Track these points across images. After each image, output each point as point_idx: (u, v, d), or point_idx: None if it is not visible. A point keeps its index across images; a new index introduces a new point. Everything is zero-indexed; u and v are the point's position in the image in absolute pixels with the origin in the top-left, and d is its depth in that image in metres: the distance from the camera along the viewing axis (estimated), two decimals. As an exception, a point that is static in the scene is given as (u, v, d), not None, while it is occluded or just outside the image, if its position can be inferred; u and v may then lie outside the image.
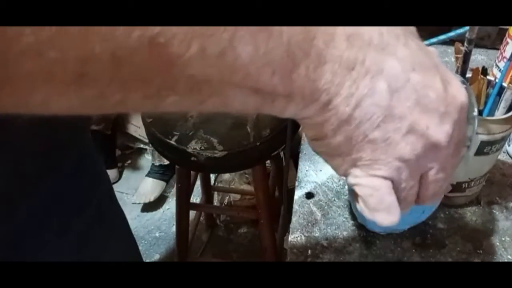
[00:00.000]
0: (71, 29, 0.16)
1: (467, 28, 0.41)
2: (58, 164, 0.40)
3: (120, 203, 0.55)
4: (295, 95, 0.22)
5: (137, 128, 1.71)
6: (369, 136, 0.23)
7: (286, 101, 0.22)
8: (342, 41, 0.22)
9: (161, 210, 1.67)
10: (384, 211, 0.25)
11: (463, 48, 0.42)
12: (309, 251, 0.47)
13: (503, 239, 0.48)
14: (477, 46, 0.75)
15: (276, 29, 0.20)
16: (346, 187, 0.54)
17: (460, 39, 0.45)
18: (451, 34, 0.48)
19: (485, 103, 0.45)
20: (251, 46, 0.20)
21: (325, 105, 0.23)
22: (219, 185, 1.57)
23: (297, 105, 0.23)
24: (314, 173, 0.56)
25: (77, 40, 0.16)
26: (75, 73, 0.17)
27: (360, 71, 0.22)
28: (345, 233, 0.49)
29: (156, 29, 0.17)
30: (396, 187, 0.25)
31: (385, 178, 0.25)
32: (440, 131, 0.24)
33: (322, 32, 0.21)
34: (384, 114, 0.23)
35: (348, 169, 0.26)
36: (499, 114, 0.46)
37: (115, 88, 0.18)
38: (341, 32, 0.22)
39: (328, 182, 0.55)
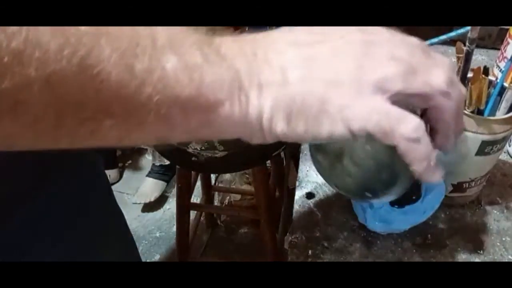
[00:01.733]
0: (5, 57, 0.16)
1: (468, 28, 0.41)
2: (57, 167, 0.40)
3: (121, 203, 0.55)
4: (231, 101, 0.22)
5: (137, 128, 1.71)
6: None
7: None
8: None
9: (161, 210, 1.67)
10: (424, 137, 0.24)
11: (464, 48, 0.42)
12: (310, 251, 0.47)
13: (503, 239, 0.48)
14: (478, 46, 0.75)
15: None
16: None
17: (461, 39, 0.45)
18: (452, 34, 0.48)
19: (486, 103, 0.45)
20: (176, 58, 0.20)
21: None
22: (219, 185, 1.57)
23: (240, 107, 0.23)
24: (314, 173, 0.56)
25: (13, 67, 0.16)
26: (10, 102, 0.17)
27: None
28: (345, 233, 0.49)
29: (84, 50, 0.18)
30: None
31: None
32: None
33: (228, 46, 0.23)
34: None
35: (343, 120, 0.24)
36: (500, 114, 0.46)
37: (51, 113, 0.18)
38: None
39: (328, 182, 0.55)
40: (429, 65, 0.24)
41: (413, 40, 0.25)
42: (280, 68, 0.23)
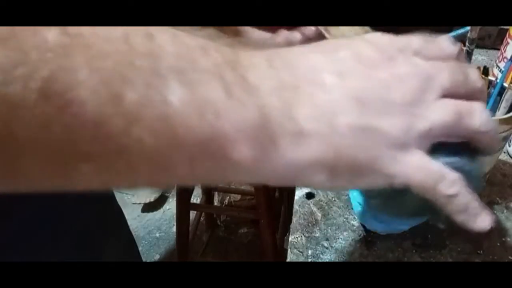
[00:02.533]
0: None
1: (467, 28, 0.41)
2: None
3: (121, 203, 0.55)
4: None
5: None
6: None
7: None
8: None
9: (161, 210, 1.67)
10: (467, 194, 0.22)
11: (464, 48, 0.42)
12: (309, 251, 0.47)
13: (503, 239, 0.47)
14: (478, 46, 0.75)
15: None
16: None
17: (461, 39, 0.45)
18: (452, 34, 0.48)
19: (486, 103, 0.45)
20: (184, 89, 0.16)
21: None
22: (219, 185, 1.56)
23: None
24: (314, 173, 0.56)
25: None
26: None
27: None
28: (345, 233, 0.49)
29: (48, 69, 0.13)
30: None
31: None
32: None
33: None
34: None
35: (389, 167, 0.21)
36: (500, 114, 0.46)
37: (6, 154, 0.14)
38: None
39: (328, 182, 0.55)
40: (471, 102, 0.22)
41: (453, 52, 0.22)
42: (328, 111, 0.19)
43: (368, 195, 0.32)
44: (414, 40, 0.22)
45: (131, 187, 0.19)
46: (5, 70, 0.13)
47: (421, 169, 0.21)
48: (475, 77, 0.23)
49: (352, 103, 0.19)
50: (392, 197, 0.30)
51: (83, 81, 0.14)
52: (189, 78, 0.16)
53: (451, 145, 0.23)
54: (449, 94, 0.21)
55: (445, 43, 0.23)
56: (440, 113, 0.21)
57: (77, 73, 0.14)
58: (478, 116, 0.22)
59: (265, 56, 0.19)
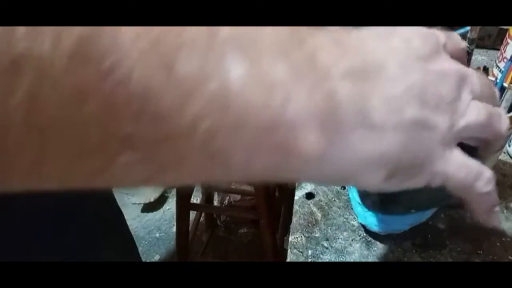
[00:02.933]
0: None
1: (467, 28, 0.41)
2: None
3: (120, 203, 0.55)
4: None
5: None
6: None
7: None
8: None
9: (161, 210, 1.67)
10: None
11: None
12: (309, 252, 0.47)
13: (503, 239, 0.47)
14: (477, 46, 0.75)
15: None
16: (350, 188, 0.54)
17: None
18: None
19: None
20: (247, 64, 0.13)
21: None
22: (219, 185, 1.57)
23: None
24: (314, 173, 0.56)
25: None
26: None
27: None
28: (345, 233, 0.49)
29: (86, 31, 0.10)
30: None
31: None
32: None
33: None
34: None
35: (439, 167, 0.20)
36: (500, 114, 0.46)
37: (23, 134, 0.11)
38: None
39: (328, 182, 0.55)
40: (497, 108, 0.22)
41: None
42: (396, 104, 0.17)
43: (363, 195, 0.33)
44: (440, 34, 0.22)
45: (177, 184, 0.15)
46: (31, 31, 0.10)
47: (463, 167, 0.20)
48: (491, 83, 0.23)
49: (414, 97, 0.18)
50: (388, 196, 0.30)
51: (128, 43, 0.11)
52: (251, 54, 0.14)
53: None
54: (476, 97, 0.21)
55: (459, 39, 0.23)
56: (475, 113, 0.20)
57: (119, 34, 0.11)
58: (504, 121, 0.22)
59: (329, 36, 0.17)
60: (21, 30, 0.10)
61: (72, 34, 0.10)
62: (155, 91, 0.11)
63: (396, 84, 0.18)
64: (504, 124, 0.22)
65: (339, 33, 0.18)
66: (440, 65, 0.20)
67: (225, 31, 0.13)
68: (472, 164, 0.21)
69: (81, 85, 0.11)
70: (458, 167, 0.20)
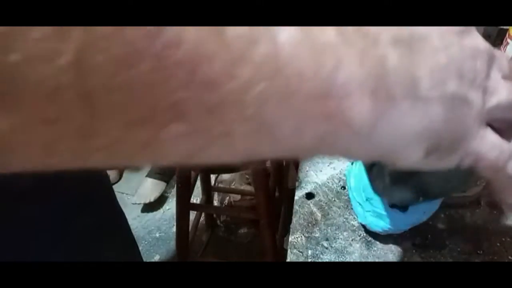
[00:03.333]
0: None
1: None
2: (59, 173, 0.40)
3: (121, 203, 0.55)
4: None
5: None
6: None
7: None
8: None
9: (161, 210, 1.67)
10: None
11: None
12: (309, 252, 0.47)
13: (503, 239, 0.47)
14: (478, 46, 0.75)
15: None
16: (351, 185, 0.54)
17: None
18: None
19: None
20: (296, 27, 0.13)
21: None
22: (219, 185, 1.57)
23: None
24: (314, 174, 0.56)
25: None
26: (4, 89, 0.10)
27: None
28: (345, 233, 0.49)
29: None
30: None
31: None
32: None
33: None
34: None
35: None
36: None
37: (70, 103, 0.10)
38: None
39: (328, 182, 0.55)
40: None
41: None
42: (441, 77, 0.17)
43: (375, 175, 0.32)
44: None
45: (220, 158, 0.14)
46: None
47: (496, 147, 0.20)
48: None
49: (455, 71, 0.18)
50: (399, 179, 0.30)
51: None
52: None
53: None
54: (505, 77, 0.21)
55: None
56: (505, 92, 0.20)
57: None
58: None
59: None
60: None
61: None
62: (206, 54, 0.11)
63: (440, 56, 0.17)
64: None
65: None
66: (474, 41, 0.19)
67: None
68: (504, 145, 0.20)
69: (129, 46, 0.10)
70: (492, 147, 0.20)
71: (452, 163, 0.20)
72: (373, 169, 0.32)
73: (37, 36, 0.09)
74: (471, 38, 0.20)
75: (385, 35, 0.16)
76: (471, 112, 0.18)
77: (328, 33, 0.14)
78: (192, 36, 0.11)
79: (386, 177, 0.32)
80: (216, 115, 0.12)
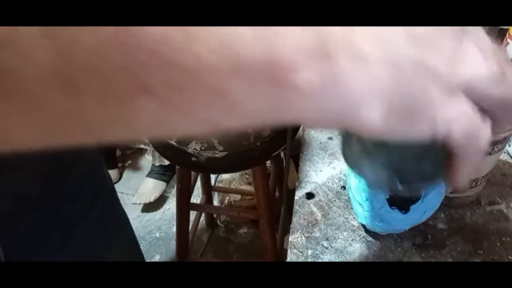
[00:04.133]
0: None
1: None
2: (65, 169, 0.40)
3: (121, 203, 0.55)
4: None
5: (137, 128, 1.71)
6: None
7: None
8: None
9: (161, 210, 1.67)
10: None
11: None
12: (309, 251, 0.47)
13: (503, 239, 0.47)
14: (478, 46, 0.75)
15: None
16: (351, 184, 0.54)
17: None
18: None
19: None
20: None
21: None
22: (219, 185, 1.57)
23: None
24: (314, 174, 0.56)
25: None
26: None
27: None
28: (345, 233, 0.49)
29: None
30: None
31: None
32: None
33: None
34: None
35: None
36: (500, 114, 0.46)
37: (57, 88, 0.13)
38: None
39: (328, 182, 0.55)
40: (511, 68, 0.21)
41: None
42: (388, 42, 0.18)
43: (344, 142, 0.31)
44: None
45: (190, 129, 0.17)
46: None
47: (468, 117, 0.20)
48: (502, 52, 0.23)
49: (407, 38, 0.18)
50: (370, 147, 0.29)
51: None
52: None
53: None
54: (486, 56, 0.21)
55: None
56: (485, 66, 0.20)
57: None
58: None
59: None
60: None
61: None
62: (162, 36, 0.13)
63: (384, 29, 0.18)
64: None
65: None
66: None
67: None
68: (477, 117, 0.20)
69: (101, 37, 0.12)
70: (463, 116, 0.20)
71: (421, 132, 0.20)
72: (343, 139, 0.31)
73: (27, 36, 0.12)
74: None
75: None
76: (435, 79, 0.19)
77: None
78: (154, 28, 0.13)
79: (354, 146, 0.31)
80: (176, 88, 0.14)
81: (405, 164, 0.29)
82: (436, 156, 0.26)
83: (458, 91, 0.20)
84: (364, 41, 0.18)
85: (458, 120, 0.20)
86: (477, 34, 0.21)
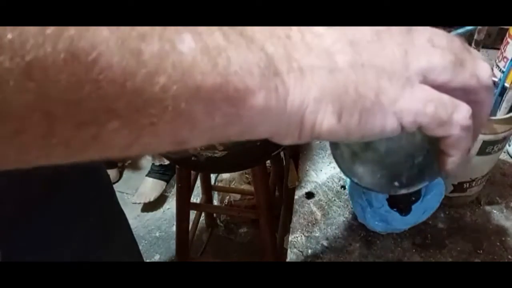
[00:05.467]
0: None
1: (467, 28, 0.41)
2: (67, 170, 0.40)
3: (120, 203, 0.55)
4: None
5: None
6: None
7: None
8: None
9: (161, 210, 1.67)
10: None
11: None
12: (309, 251, 0.47)
13: (503, 239, 0.47)
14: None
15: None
16: (348, 185, 0.54)
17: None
18: (452, 34, 0.48)
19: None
20: (191, 37, 0.16)
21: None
22: (219, 185, 1.57)
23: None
24: (314, 173, 0.56)
25: None
26: None
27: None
28: (345, 233, 0.49)
29: (73, 29, 0.14)
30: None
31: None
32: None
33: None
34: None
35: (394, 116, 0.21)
36: (501, 114, 0.46)
37: (37, 118, 0.14)
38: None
39: (328, 182, 0.55)
40: (473, 57, 0.22)
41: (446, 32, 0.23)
42: (325, 51, 0.20)
43: (333, 144, 0.31)
44: None
45: (155, 147, 0.18)
46: (35, 34, 0.13)
47: (432, 100, 0.20)
48: (462, 43, 0.23)
49: (346, 45, 0.20)
50: (366, 150, 0.29)
51: (106, 39, 0.14)
52: (195, 30, 0.17)
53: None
54: (441, 47, 0.21)
55: None
56: (439, 55, 0.21)
57: (100, 32, 0.14)
58: (483, 67, 0.22)
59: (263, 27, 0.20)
60: (32, 31, 0.13)
61: (67, 35, 0.14)
62: (131, 71, 0.15)
63: (323, 37, 0.20)
64: (483, 69, 0.22)
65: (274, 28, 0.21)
66: (377, 29, 0.21)
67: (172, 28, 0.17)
68: (444, 97, 0.21)
69: (76, 74, 0.14)
70: (425, 100, 0.20)
71: (387, 126, 0.21)
72: (332, 146, 0.32)
73: (11, 81, 0.13)
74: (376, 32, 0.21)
75: (261, 35, 0.19)
76: (383, 75, 0.20)
77: (217, 39, 0.17)
78: (118, 62, 0.15)
79: (344, 152, 0.31)
80: (142, 113, 0.16)
81: (397, 164, 0.29)
82: (427, 151, 0.26)
83: (415, 82, 0.21)
84: (303, 55, 0.19)
85: (423, 106, 0.20)
86: (429, 29, 0.22)
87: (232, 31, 0.18)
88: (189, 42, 0.16)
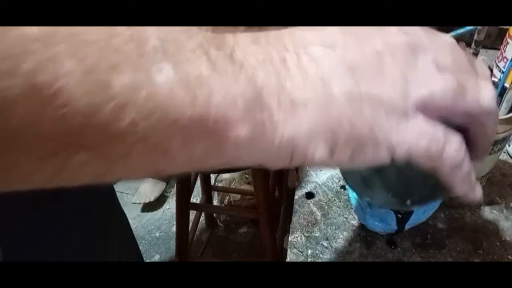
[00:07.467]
0: None
1: (468, 28, 0.41)
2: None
3: (120, 203, 0.55)
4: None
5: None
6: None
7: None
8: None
9: (161, 210, 1.67)
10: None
11: (470, 50, 0.42)
12: (309, 251, 0.47)
13: (503, 239, 0.47)
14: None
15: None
16: (347, 186, 0.54)
17: (460, 39, 0.45)
18: (452, 34, 0.48)
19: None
20: (171, 67, 0.15)
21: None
22: (219, 185, 1.57)
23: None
24: (314, 173, 0.56)
25: None
26: None
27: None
28: (345, 233, 0.49)
29: (33, 61, 0.13)
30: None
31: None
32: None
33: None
34: None
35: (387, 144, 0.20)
36: (501, 114, 0.46)
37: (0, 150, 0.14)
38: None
39: (328, 182, 0.55)
40: (477, 78, 0.21)
41: (452, 41, 0.22)
42: (321, 79, 0.18)
43: (346, 174, 0.32)
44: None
45: (129, 176, 0.18)
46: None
47: (425, 134, 0.20)
48: (470, 57, 0.22)
49: (344, 72, 0.19)
50: (368, 176, 0.30)
51: (69, 71, 0.13)
52: (176, 58, 0.16)
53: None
54: (445, 69, 0.20)
55: None
56: (441, 82, 0.20)
57: (62, 63, 0.13)
58: (487, 91, 0.21)
59: (251, 35, 0.19)
60: None
61: (24, 69, 0.13)
62: (96, 106, 0.14)
63: (320, 62, 0.19)
64: (486, 93, 0.21)
65: (263, 32, 0.19)
66: (387, 38, 0.20)
67: (153, 42, 0.15)
68: (437, 131, 0.20)
69: (36, 109, 0.13)
70: (419, 135, 0.20)
71: (379, 158, 0.20)
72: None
73: None
74: (383, 35, 0.20)
75: (252, 60, 0.18)
76: (380, 107, 0.19)
77: (200, 68, 0.16)
78: (83, 95, 0.14)
79: (355, 173, 0.32)
80: (112, 145, 0.15)
81: (408, 185, 0.29)
82: (421, 175, 0.26)
83: (413, 111, 0.20)
84: (296, 86, 0.18)
85: (416, 140, 0.20)
86: (436, 46, 0.21)
87: (220, 55, 0.17)
88: (167, 72, 0.15)
